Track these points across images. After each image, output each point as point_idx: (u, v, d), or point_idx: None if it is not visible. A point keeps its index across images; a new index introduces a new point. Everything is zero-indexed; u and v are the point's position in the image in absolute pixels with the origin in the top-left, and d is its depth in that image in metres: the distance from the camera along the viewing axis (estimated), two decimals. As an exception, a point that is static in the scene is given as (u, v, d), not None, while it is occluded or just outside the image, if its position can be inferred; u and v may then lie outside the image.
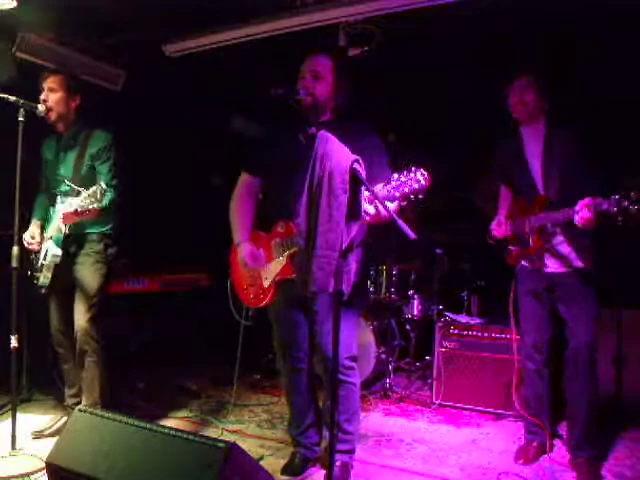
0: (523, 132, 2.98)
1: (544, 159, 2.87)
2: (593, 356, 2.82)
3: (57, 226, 2.96)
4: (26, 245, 3.05)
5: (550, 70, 3.02)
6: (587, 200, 2.52)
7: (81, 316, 3.02)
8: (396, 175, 2.13)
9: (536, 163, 2.90)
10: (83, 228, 3.06)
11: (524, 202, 2.94)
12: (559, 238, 2.84)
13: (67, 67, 3.51)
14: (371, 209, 2.25)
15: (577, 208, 2.55)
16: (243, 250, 2.66)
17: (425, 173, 2.07)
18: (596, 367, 2.85)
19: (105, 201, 2.72)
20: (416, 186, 2.07)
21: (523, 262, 2.98)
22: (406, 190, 2.08)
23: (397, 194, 2.11)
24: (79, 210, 2.70)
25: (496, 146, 3.14)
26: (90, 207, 2.67)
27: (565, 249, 2.84)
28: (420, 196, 2.09)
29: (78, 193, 2.76)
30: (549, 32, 3.43)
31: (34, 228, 3.13)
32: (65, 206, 2.83)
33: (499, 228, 3.03)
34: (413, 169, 2.09)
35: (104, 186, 2.68)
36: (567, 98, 3.13)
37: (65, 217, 2.83)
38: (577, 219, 2.56)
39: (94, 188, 2.67)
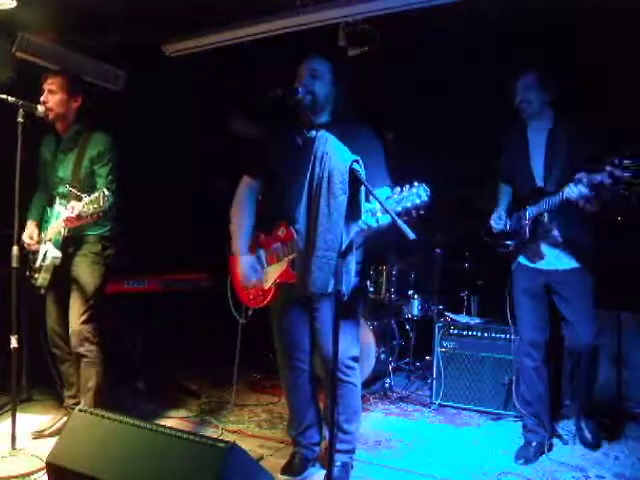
0: (529, 127, 2.94)
1: (547, 154, 2.85)
2: (596, 357, 2.83)
3: (57, 228, 2.96)
4: (26, 246, 3.05)
5: (554, 63, 2.97)
6: (580, 174, 2.52)
7: (76, 318, 3.01)
8: (398, 189, 2.13)
9: (539, 158, 2.88)
10: (82, 230, 3.05)
11: (522, 198, 2.94)
12: (556, 234, 2.83)
13: (67, 67, 3.51)
14: (372, 221, 2.24)
15: (571, 184, 2.55)
16: (244, 263, 2.66)
17: (427, 189, 2.09)
18: (598, 368, 2.88)
19: (107, 205, 2.72)
20: (418, 201, 2.08)
21: (521, 259, 2.98)
22: (408, 205, 2.09)
23: (399, 208, 2.11)
24: (82, 215, 2.70)
25: (501, 143, 3.12)
26: (93, 213, 2.67)
27: (562, 246, 2.84)
28: (421, 212, 2.10)
29: (79, 197, 2.75)
30: (549, 22, 3.39)
31: (32, 228, 3.13)
32: (67, 211, 2.81)
33: (500, 221, 3.03)
34: (415, 184, 2.10)
35: (107, 192, 2.66)
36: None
37: (68, 221, 2.82)
38: (574, 195, 2.55)
39: (96, 194, 2.66)
